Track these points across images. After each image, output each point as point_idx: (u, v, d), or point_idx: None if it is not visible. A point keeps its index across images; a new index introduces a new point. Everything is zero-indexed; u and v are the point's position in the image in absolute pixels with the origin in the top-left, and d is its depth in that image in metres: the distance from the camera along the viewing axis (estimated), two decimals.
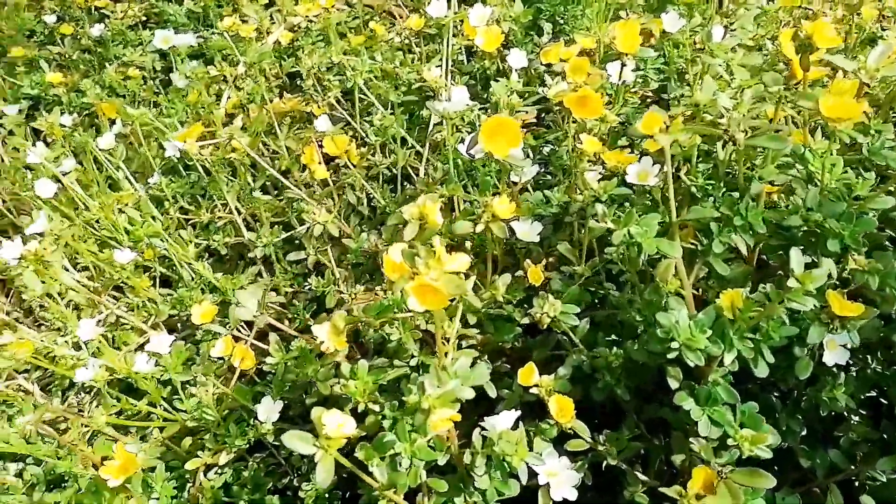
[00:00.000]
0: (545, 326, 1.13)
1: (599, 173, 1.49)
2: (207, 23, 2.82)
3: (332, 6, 2.28)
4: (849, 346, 1.08)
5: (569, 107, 1.38)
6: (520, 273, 1.32)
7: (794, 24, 2.24)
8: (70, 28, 2.78)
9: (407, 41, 2.05)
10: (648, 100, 2.04)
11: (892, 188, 1.05)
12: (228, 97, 2.22)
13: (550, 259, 1.50)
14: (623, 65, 1.50)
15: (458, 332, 1.14)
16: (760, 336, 1.03)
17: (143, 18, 2.83)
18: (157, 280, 1.81)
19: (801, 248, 1.12)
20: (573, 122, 1.51)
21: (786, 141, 1.01)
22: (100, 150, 1.96)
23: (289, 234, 1.64)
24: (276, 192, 1.97)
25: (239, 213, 1.83)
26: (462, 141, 1.69)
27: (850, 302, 1.02)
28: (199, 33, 2.72)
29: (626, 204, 1.34)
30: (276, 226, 1.78)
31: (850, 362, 1.14)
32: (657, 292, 1.10)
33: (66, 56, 2.69)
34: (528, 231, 1.36)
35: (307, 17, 2.39)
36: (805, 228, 1.08)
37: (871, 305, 1.07)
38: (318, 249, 1.52)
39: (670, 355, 0.99)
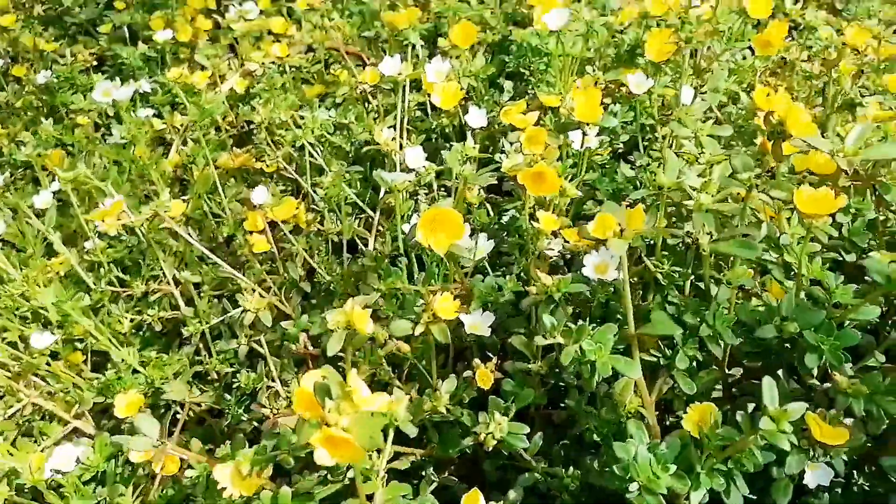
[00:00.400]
0: (491, 448, 1.00)
1: (559, 252, 1.38)
2: (165, 66, 2.70)
3: (287, 55, 2.16)
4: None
5: (523, 184, 1.26)
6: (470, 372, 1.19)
7: (770, 71, 2.15)
8: (23, 69, 2.65)
9: (363, 93, 1.94)
10: (619, 150, 1.93)
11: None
12: (177, 151, 2.09)
13: (509, 341, 1.38)
14: (584, 134, 1.38)
15: (392, 452, 1.01)
16: (732, 464, 0.90)
17: (95, 63, 2.70)
18: (90, 356, 1.67)
19: (776, 354, 1.00)
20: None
21: (755, 248, 0.89)
22: (36, 209, 1.83)
23: (221, 319, 1.49)
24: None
25: (177, 284, 1.69)
26: (413, 213, 1.57)
27: (833, 427, 0.90)
28: (155, 77, 2.60)
29: (587, 293, 1.21)
30: (216, 300, 1.65)
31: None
32: (615, 412, 0.97)
33: (10, 104, 2.55)
34: (479, 322, 1.23)
35: (263, 63, 2.28)
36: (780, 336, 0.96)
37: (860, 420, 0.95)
38: (251, 338, 1.39)
39: (629, 496, 0.86)
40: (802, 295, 1.00)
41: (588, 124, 1.36)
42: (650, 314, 1.00)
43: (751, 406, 1.01)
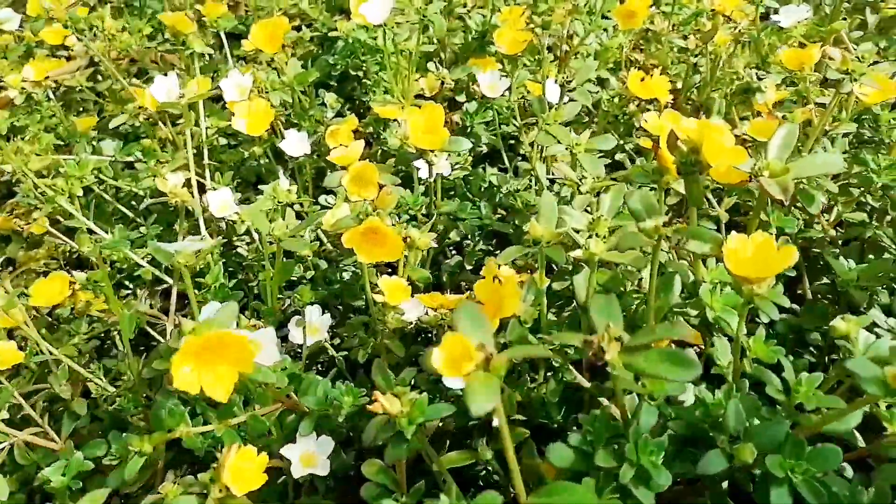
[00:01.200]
0: None
1: (417, 319, 1.04)
2: None
3: (45, 77, 1.67)
4: None
5: (351, 247, 0.91)
6: None
7: (633, 45, 1.90)
8: None
9: (148, 119, 1.49)
10: (483, 153, 1.61)
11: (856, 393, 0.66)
12: None
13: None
14: (430, 164, 1.04)
15: None
16: None
17: None
18: None
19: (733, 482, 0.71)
20: None
21: (692, 366, 0.58)
22: None
23: None
24: None
25: None
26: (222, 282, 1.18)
27: None
28: None
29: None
30: None
31: None
32: None
33: None
34: (313, 454, 0.87)
35: (23, 89, 1.76)
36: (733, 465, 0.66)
37: None
38: None
39: None
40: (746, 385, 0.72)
41: (433, 151, 1.02)
42: (548, 452, 0.68)
43: None
